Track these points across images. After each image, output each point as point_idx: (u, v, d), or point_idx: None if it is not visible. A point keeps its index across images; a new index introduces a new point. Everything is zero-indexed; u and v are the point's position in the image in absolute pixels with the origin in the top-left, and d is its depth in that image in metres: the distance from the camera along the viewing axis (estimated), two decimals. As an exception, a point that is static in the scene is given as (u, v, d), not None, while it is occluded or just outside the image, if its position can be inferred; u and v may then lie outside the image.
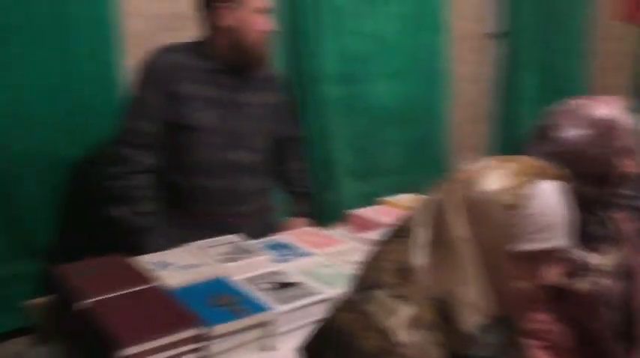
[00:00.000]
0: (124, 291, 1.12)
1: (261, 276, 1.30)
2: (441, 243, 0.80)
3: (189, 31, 2.02)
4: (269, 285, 1.25)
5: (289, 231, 1.69)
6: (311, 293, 1.21)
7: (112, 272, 1.22)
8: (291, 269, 1.34)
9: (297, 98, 2.31)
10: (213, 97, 1.63)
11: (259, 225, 1.76)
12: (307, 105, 2.41)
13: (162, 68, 1.59)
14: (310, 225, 1.86)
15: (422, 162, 2.81)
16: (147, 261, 1.34)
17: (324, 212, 2.42)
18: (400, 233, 0.86)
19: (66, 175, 1.89)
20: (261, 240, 1.55)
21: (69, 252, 1.88)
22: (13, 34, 1.70)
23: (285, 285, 1.25)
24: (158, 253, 1.42)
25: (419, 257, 0.81)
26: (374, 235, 1.54)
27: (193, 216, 1.66)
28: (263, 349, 1.12)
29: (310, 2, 2.33)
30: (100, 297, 1.09)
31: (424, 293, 0.79)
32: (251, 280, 1.27)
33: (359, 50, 2.52)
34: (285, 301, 1.17)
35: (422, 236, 0.82)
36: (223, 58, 1.64)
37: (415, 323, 0.77)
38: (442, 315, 0.78)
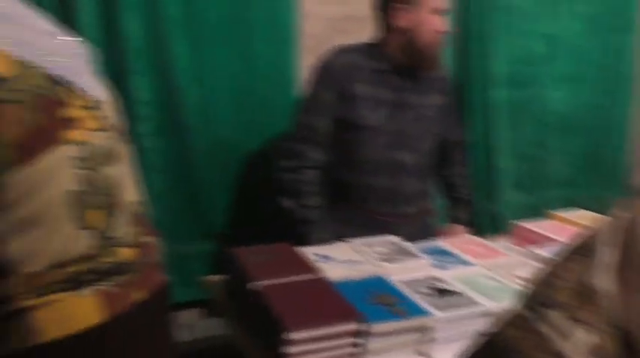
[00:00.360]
0: (292, 279, 1.19)
1: (421, 280, 1.29)
2: (630, 266, 0.73)
3: (362, 33, 2.07)
4: (428, 290, 1.24)
5: (448, 238, 1.66)
6: (472, 304, 1.18)
7: (281, 259, 1.30)
8: (451, 276, 1.32)
9: (463, 101, 2.26)
10: (383, 98, 1.66)
11: (418, 228, 1.77)
12: (472, 109, 2.34)
13: (336, 68, 1.65)
14: (469, 233, 1.81)
15: (596, 176, 2.58)
16: (311, 251, 1.41)
17: (483, 221, 2.34)
18: (581, 251, 0.80)
19: (243, 166, 2.06)
20: (421, 243, 1.55)
21: (242, 236, 2.07)
22: (205, 38, 1.89)
23: (445, 292, 1.24)
24: (321, 246, 1.49)
25: (604, 280, 0.74)
26: (542, 250, 1.46)
27: (356, 213, 1.71)
28: (419, 354, 1.12)
29: (484, 1, 2.26)
30: (270, 281, 1.17)
31: (607, 321, 0.73)
32: (410, 283, 1.27)
33: (531, 52, 2.39)
34: (445, 308, 1.15)
35: (608, 257, 0.76)
36: (396, 59, 1.66)
37: (595, 352, 0.71)
38: (627, 349, 0.71)
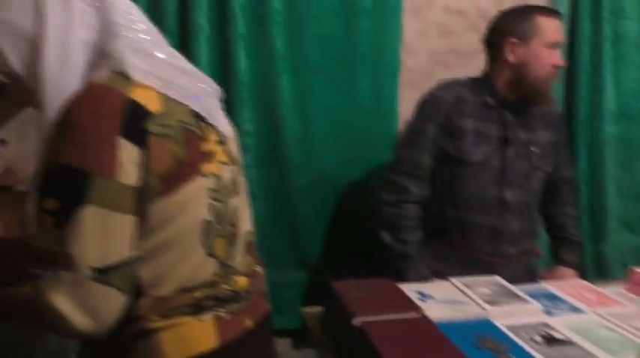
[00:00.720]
0: (395, 316, 1.17)
1: (529, 326, 1.23)
2: None
3: (465, 67, 2.06)
4: (538, 338, 1.18)
5: (555, 281, 1.58)
6: (588, 356, 1.10)
7: (382, 295, 1.29)
8: (562, 324, 1.24)
9: (570, 136, 2.16)
10: (489, 133, 1.63)
11: (521, 269, 1.70)
12: (579, 144, 2.23)
13: (441, 102, 1.63)
14: (577, 277, 1.71)
15: None
16: (412, 288, 1.38)
17: (592, 265, 2.20)
18: None
19: (342, 199, 2.07)
20: (527, 286, 1.48)
21: (337, 268, 2.08)
22: (309, 72, 1.95)
23: (556, 341, 1.17)
24: (421, 283, 1.46)
25: None
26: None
27: (454, 251, 1.67)
28: (529, 405, 1.06)
29: (593, 32, 2.16)
30: (372, 318, 1.16)
31: None
32: (517, 328, 1.21)
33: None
34: (557, 359, 1.09)
35: None
36: (505, 94, 1.63)
37: None
38: None
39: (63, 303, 0.74)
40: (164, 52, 0.91)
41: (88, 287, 0.75)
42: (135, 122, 0.79)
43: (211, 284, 0.92)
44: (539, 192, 1.71)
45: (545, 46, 1.56)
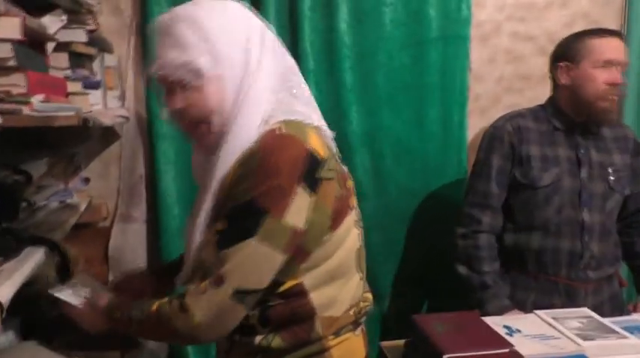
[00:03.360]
0: (485, 352, 1.13)
1: (628, 363, 1.16)
2: None
3: (533, 92, 2.02)
4: (640, 375, 1.11)
5: (642, 313, 1.49)
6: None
7: (468, 329, 1.24)
8: (663, 360, 1.17)
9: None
10: (560, 156, 1.60)
11: (605, 297, 1.63)
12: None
13: (506, 133, 1.63)
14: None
15: None
16: (496, 322, 1.34)
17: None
18: None
19: (412, 230, 2.05)
20: (619, 318, 1.40)
21: (408, 300, 2.05)
22: (380, 104, 1.96)
23: (660, 380, 1.09)
24: (505, 316, 1.42)
25: None
26: None
27: (535, 278, 1.61)
28: None
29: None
30: (462, 353, 1.12)
31: None
32: (616, 365, 1.15)
33: None
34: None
35: None
36: (567, 117, 1.61)
37: None
38: None
39: (199, 310, 0.87)
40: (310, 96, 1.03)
41: (224, 301, 0.87)
42: (313, 170, 0.88)
43: (358, 302, 1.04)
44: (616, 215, 1.66)
45: (596, 66, 1.55)
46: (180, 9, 0.92)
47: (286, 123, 0.90)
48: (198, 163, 1.05)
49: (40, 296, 1.46)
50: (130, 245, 1.88)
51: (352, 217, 1.00)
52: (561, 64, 1.61)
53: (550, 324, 1.33)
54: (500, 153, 1.63)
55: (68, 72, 1.26)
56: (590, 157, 1.61)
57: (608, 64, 1.54)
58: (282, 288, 0.94)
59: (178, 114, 0.94)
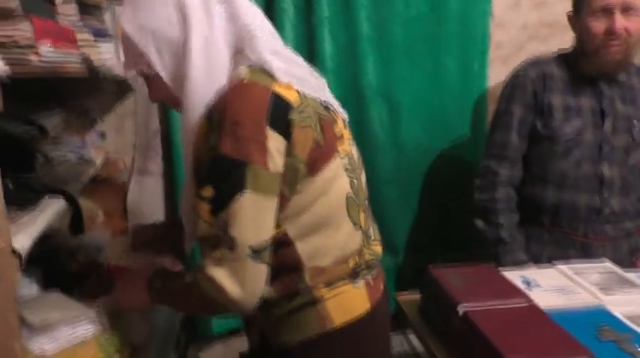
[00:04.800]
0: (502, 304, 1.12)
1: (649, 316, 1.14)
2: None
3: (559, 40, 1.94)
4: (661, 328, 1.09)
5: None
6: None
7: (485, 281, 1.24)
8: (686, 313, 1.15)
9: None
10: (583, 107, 1.54)
11: (624, 251, 1.60)
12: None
13: (529, 80, 1.57)
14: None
15: None
16: (515, 275, 1.32)
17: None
18: None
19: (428, 183, 2.03)
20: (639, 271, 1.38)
21: (425, 253, 2.04)
22: (397, 55, 1.90)
23: (681, 331, 1.08)
24: (523, 269, 1.40)
25: None
26: None
27: (551, 232, 1.59)
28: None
29: None
30: (479, 306, 1.12)
31: None
32: (636, 317, 1.13)
33: None
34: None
35: None
36: (584, 67, 1.55)
37: None
38: None
39: (224, 278, 0.85)
40: (286, 49, 1.00)
41: (246, 264, 0.86)
42: (280, 113, 0.87)
43: (359, 253, 1.01)
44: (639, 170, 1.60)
45: (593, 15, 1.46)
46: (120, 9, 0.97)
47: (251, 70, 0.89)
48: None
49: (60, 247, 1.49)
50: (147, 198, 1.90)
51: (339, 164, 0.96)
52: (569, 13, 1.56)
53: (569, 277, 1.32)
54: (522, 101, 1.57)
55: (76, 21, 1.22)
56: (615, 108, 1.54)
57: (605, 11, 1.44)
58: None
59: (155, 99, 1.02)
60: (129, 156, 1.88)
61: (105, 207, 1.85)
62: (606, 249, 1.56)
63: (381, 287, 1.07)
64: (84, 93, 1.71)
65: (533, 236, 1.61)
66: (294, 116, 0.88)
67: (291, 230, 0.93)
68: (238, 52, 0.92)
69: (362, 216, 1.02)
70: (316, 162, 0.91)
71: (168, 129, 1.85)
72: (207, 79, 0.89)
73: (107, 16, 1.50)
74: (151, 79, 0.97)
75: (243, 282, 0.86)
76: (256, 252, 0.86)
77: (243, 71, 0.88)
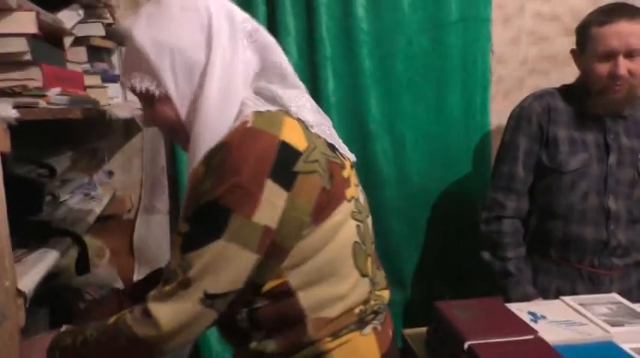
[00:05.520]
0: (508, 338, 1.11)
1: (659, 349, 1.12)
2: None
3: (560, 74, 1.97)
4: (671, 362, 1.07)
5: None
6: None
7: (492, 315, 1.23)
8: (696, 346, 1.13)
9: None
10: (588, 140, 1.55)
11: (633, 283, 1.59)
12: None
13: (534, 113, 1.58)
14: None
15: None
16: (523, 309, 1.31)
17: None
18: None
19: (435, 216, 2.02)
20: (649, 304, 1.36)
21: (433, 288, 2.02)
22: (400, 90, 1.93)
23: (692, 366, 1.06)
24: (531, 302, 1.39)
25: None
26: None
27: (562, 265, 1.58)
28: None
29: None
30: (484, 340, 1.11)
31: None
32: (645, 351, 1.11)
33: None
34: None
35: None
36: (589, 104, 1.55)
37: None
38: None
39: (164, 316, 0.80)
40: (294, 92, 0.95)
41: (194, 307, 0.81)
42: (285, 164, 0.82)
43: (366, 302, 0.96)
44: None
45: (596, 57, 1.47)
46: (130, 19, 0.89)
47: (257, 115, 0.84)
48: None
49: (67, 287, 1.50)
50: (154, 236, 1.91)
51: (347, 209, 0.91)
52: (573, 49, 1.58)
53: (576, 310, 1.31)
54: (527, 133, 1.58)
55: (87, 66, 1.27)
56: (620, 142, 1.55)
57: (609, 54, 1.45)
58: (265, 289, 0.88)
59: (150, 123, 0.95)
60: (136, 194, 1.91)
61: (111, 245, 1.88)
62: (614, 281, 1.56)
63: (390, 333, 1.02)
64: (93, 134, 1.76)
65: (541, 268, 1.60)
66: (302, 165, 0.83)
67: (293, 279, 0.88)
68: (255, 88, 0.90)
69: (368, 262, 0.98)
70: (323, 209, 0.87)
71: (175, 167, 1.88)
72: (221, 111, 0.84)
73: (115, 58, 1.55)
74: (155, 100, 0.89)
75: (184, 325, 0.81)
76: (210, 298, 0.81)
77: (249, 116, 0.84)
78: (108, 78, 1.40)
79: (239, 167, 0.79)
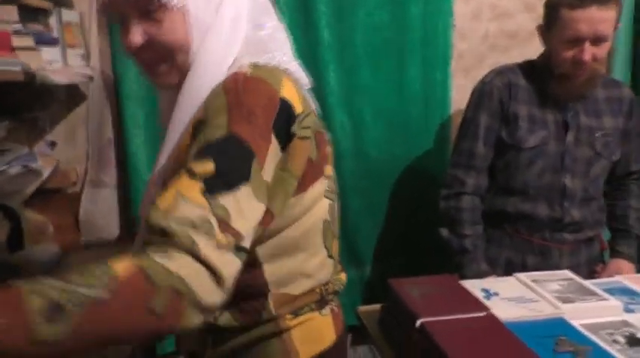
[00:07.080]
0: (460, 316, 1.09)
1: (608, 325, 1.13)
2: None
3: (521, 50, 1.95)
4: (620, 338, 1.08)
5: (633, 276, 1.46)
6: (680, 359, 0.99)
7: (445, 293, 1.21)
8: (644, 322, 1.14)
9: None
10: (547, 118, 1.54)
11: (583, 258, 1.61)
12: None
13: (496, 89, 1.56)
14: (634, 271, 1.60)
15: None
16: (476, 286, 1.30)
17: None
18: None
19: (392, 193, 2.00)
20: (601, 281, 1.37)
21: (393, 265, 2.01)
22: (359, 63, 1.88)
23: (638, 342, 1.06)
24: (483, 279, 1.38)
25: None
26: None
27: (514, 236, 1.59)
28: (615, 413, 0.97)
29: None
30: (436, 317, 1.09)
31: None
32: (596, 328, 1.11)
33: None
34: (645, 362, 0.98)
35: None
36: (551, 86, 1.53)
37: None
38: None
39: (227, 270, 0.65)
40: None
41: (239, 260, 0.68)
42: (284, 122, 0.76)
43: (328, 282, 0.94)
44: (603, 180, 1.61)
45: (563, 41, 1.44)
46: None
47: (255, 66, 0.77)
48: (164, 107, 0.90)
49: (2, 264, 1.41)
50: (101, 210, 1.82)
51: (323, 186, 0.88)
52: (539, 25, 1.54)
53: (529, 287, 1.30)
54: (488, 110, 1.56)
55: (18, 26, 1.17)
56: (579, 121, 1.54)
57: (576, 40, 1.42)
58: None
59: (137, 50, 0.79)
60: (82, 166, 1.81)
61: (55, 220, 1.78)
62: (564, 255, 1.57)
63: (342, 316, 1.01)
64: (33, 103, 1.65)
65: (493, 239, 1.61)
66: (298, 128, 0.78)
67: (261, 250, 0.83)
68: (251, 42, 0.82)
69: (334, 244, 0.95)
70: (305, 180, 0.83)
71: (122, 138, 1.79)
72: (228, 43, 0.79)
73: (54, 20, 1.44)
74: (166, 12, 0.77)
75: (234, 277, 0.67)
76: (239, 250, 0.68)
77: (246, 66, 0.77)
78: (44, 40, 1.29)
79: (256, 111, 0.72)
